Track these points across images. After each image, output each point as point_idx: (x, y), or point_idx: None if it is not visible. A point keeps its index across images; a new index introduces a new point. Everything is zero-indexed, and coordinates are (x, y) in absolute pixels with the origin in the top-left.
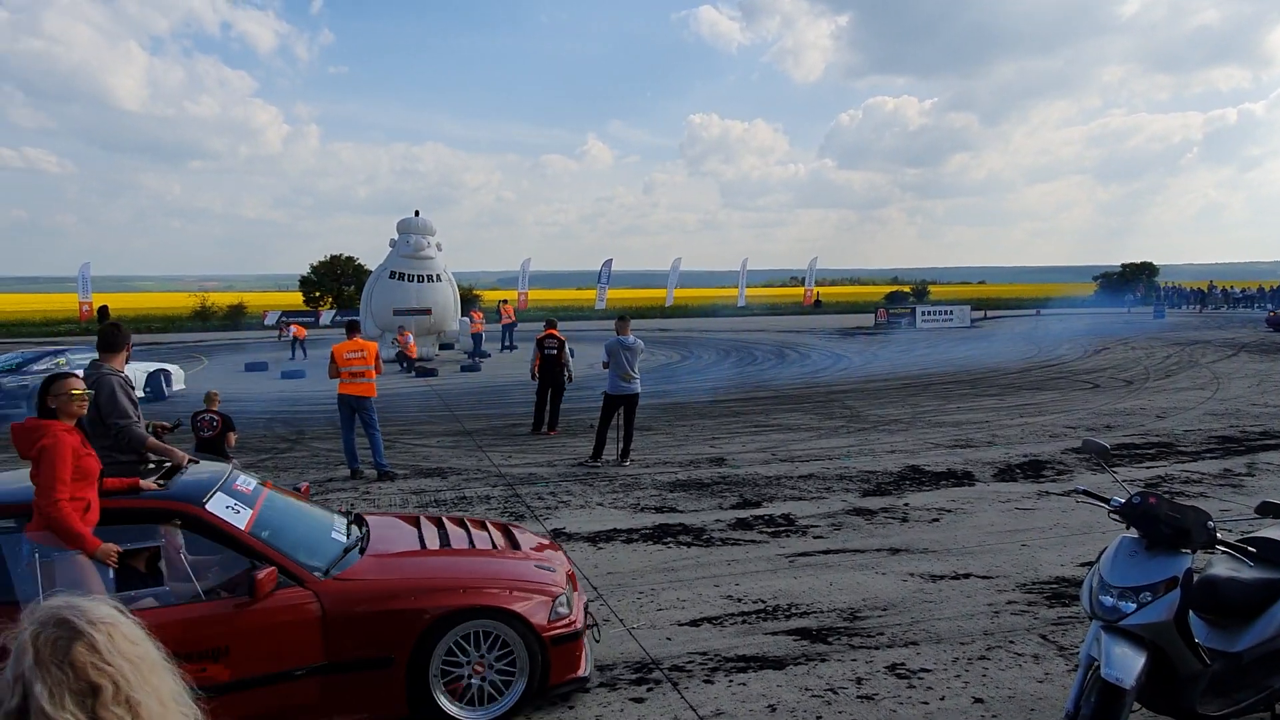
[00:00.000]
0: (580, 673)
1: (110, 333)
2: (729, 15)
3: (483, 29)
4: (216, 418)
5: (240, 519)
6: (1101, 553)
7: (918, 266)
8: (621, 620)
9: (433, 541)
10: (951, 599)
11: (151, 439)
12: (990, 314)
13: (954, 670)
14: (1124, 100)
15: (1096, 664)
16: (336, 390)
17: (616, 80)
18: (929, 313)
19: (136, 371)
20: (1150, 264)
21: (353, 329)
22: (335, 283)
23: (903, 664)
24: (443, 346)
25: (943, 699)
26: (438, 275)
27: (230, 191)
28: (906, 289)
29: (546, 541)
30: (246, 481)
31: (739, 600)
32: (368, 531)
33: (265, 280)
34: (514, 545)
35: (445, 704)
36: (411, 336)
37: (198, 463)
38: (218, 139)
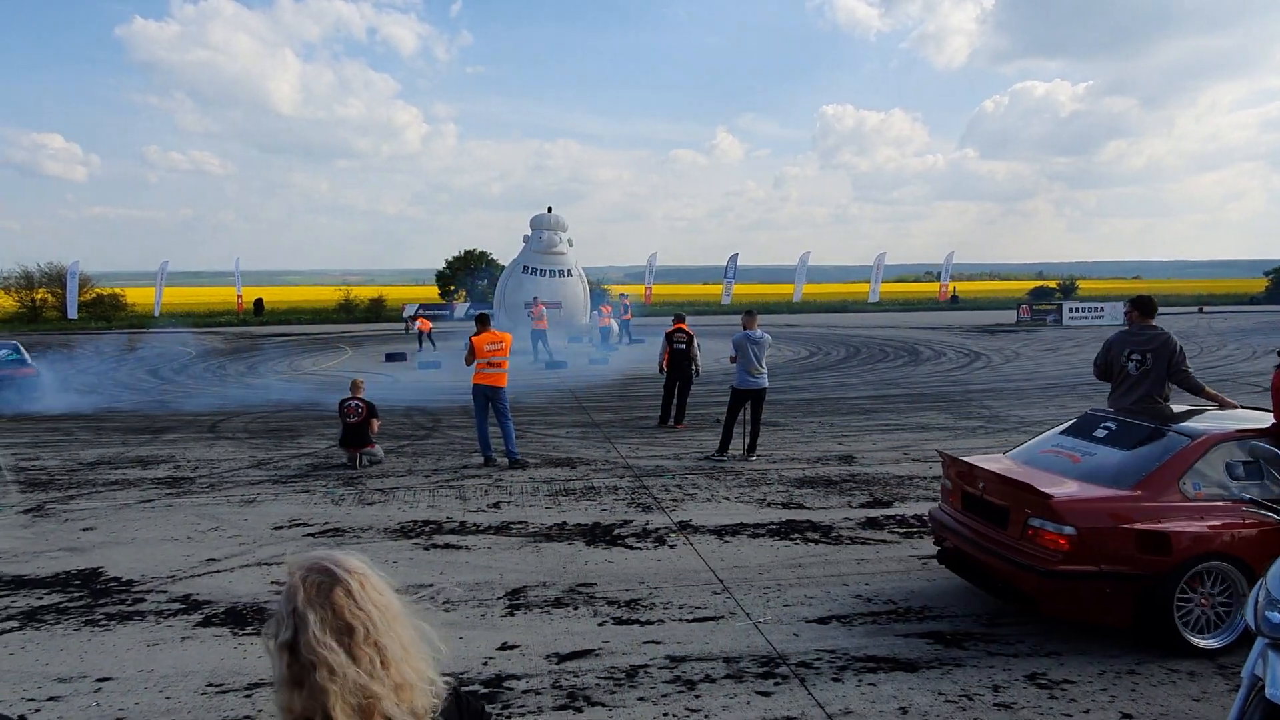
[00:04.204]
0: None
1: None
2: (868, 2)
3: (617, 25)
4: (361, 404)
5: None
6: (1270, 567)
7: (1065, 261)
8: (748, 614)
9: None
10: None
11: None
12: None
13: (1100, 683)
14: None
15: (1261, 684)
16: (471, 380)
17: (748, 73)
18: (1077, 309)
19: None
20: None
21: (485, 321)
22: (469, 277)
23: (1044, 674)
24: (571, 340)
25: (1087, 712)
26: (569, 270)
27: (373, 188)
28: (1052, 284)
29: None
30: None
31: (869, 600)
32: None
33: (404, 274)
34: None
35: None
36: (545, 310)
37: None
38: (362, 139)
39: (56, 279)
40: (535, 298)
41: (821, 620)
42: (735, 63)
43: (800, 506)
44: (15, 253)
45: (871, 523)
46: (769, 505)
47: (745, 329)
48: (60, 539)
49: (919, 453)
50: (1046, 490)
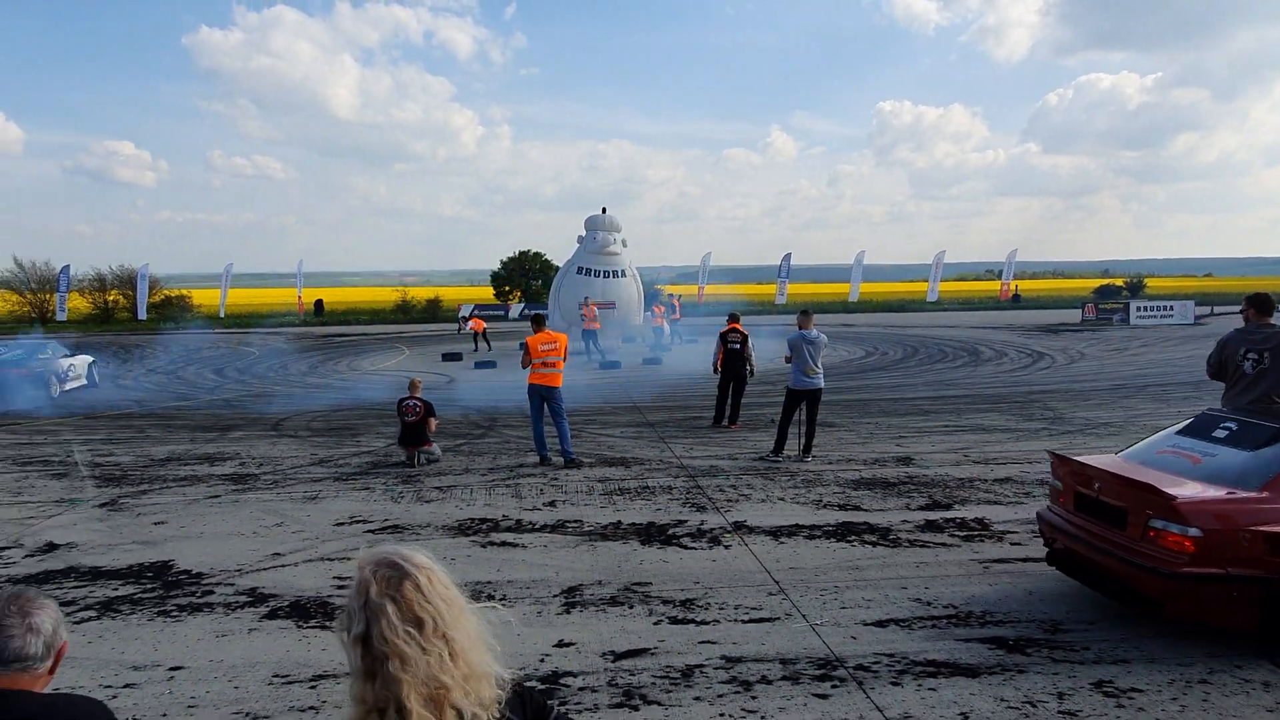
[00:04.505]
0: None
1: (1262, 300)
2: None
3: (669, 25)
4: (419, 403)
5: None
6: None
7: (1132, 258)
8: (804, 615)
9: None
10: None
11: None
12: (1217, 309)
13: (1170, 692)
14: None
15: None
16: (527, 380)
17: (802, 70)
18: (1145, 308)
19: (82, 362)
20: None
21: (540, 322)
22: (524, 277)
23: (1111, 681)
24: (625, 340)
25: None
26: (623, 271)
27: (429, 191)
28: (1119, 282)
29: None
30: None
31: (929, 604)
32: None
33: (459, 275)
34: None
35: None
36: (597, 310)
37: None
38: (419, 142)
39: (127, 281)
40: (586, 298)
41: (879, 623)
42: (789, 60)
43: (857, 508)
44: (88, 256)
45: (931, 525)
46: (825, 506)
47: (801, 329)
48: (133, 532)
49: (979, 455)
50: (1170, 491)
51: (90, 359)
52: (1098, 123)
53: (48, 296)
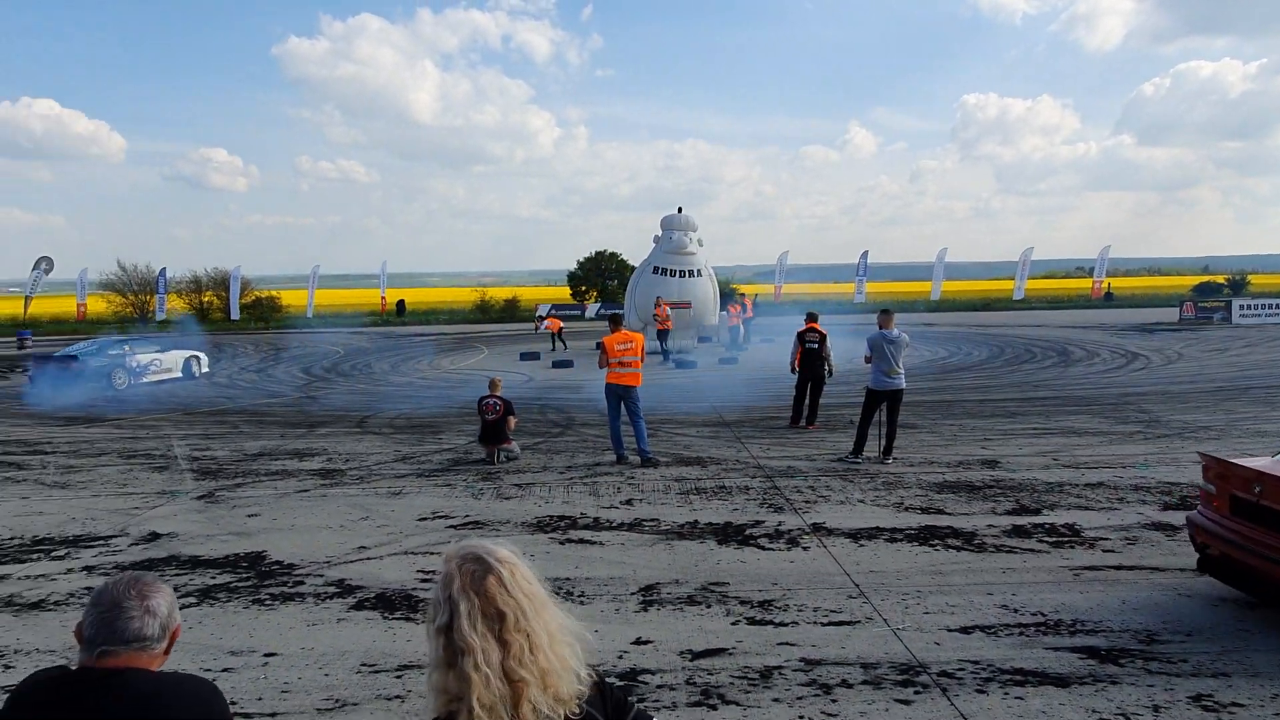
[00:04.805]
0: None
1: None
2: None
3: (744, 22)
4: (499, 402)
5: None
6: None
7: (1234, 254)
8: (886, 620)
9: None
10: (1276, 629)
11: None
12: None
13: (1273, 707)
14: None
15: None
16: (605, 380)
17: (882, 65)
18: (1249, 306)
19: (175, 358)
20: None
21: (616, 321)
22: (600, 277)
23: (1210, 695)
24: (701, 340)
25: None
26: (698, 270)
27: (507, 192)
28: (1220, 279)
29: None
30: None
31: (1016, 611)
32: None
33: (536, 275)
34: None
35: None
36: (669, 308)
37: None
38: (497, 144)
39: (221, 283)
40: (658, 298)
41: (964, 629)
42: (868, 55)
43: (940, 512)
44: (185, 259)
45: (1018, 530)
46: (907, 509)
47: (881, 328)
48: (229, 524)
49: (1070, 459)
50: None
51: (188, 354)
52: (1197, 113)
53: (148, 298)
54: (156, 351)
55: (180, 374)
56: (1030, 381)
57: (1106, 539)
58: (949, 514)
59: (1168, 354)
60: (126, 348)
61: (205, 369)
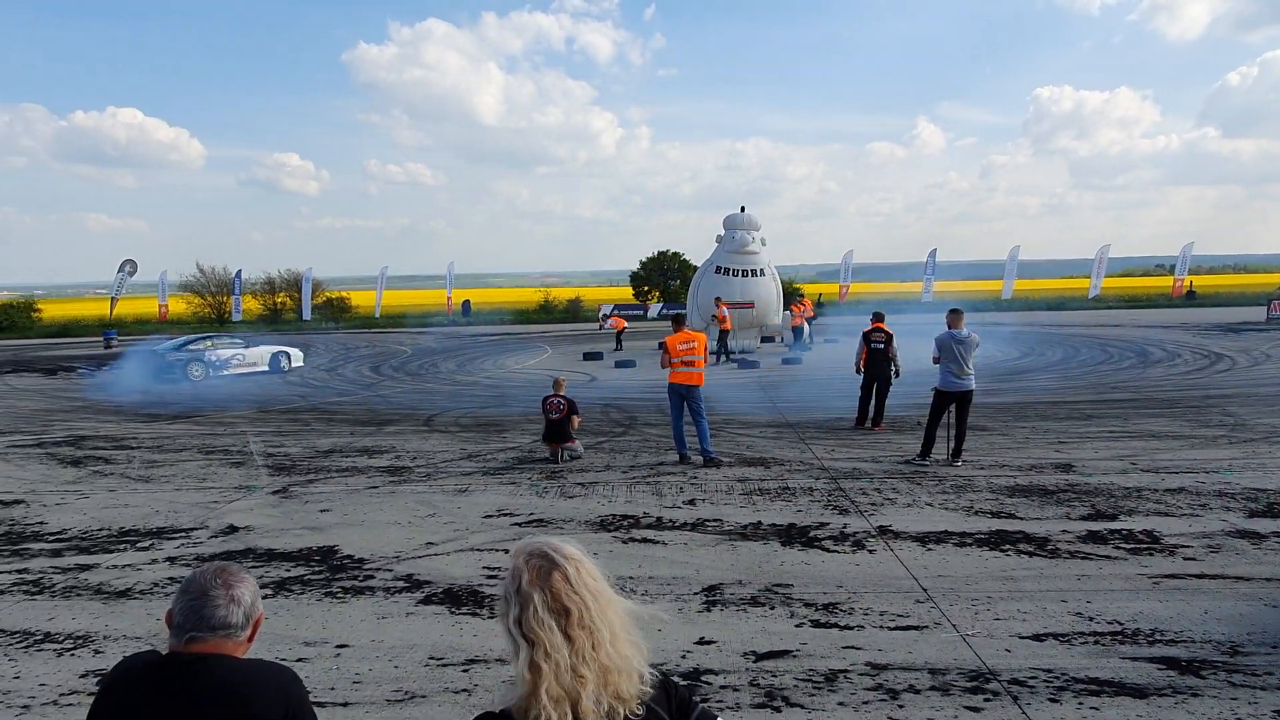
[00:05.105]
0: None
1: None
2: None
3: (809, 19)
4: (563, 401)
5: None
6: None
7: None
8: (954, 625)
9: None
10: None
11: None
12: None
13: None
14: None
15: None
16: (668, 379)
17: (951, 59)
18: None
19: (261, 353)
20: None
21: (680, 321)
22: (662, 277)
23: None
24: (764, 340)
25: None
26: (761, 270)
27: (570, 193)
28: None
29: None
30: None
31: (1091, 619)
32: None
33: (599, 275)
34: None
35: None
36: (727, 310)
37: None
38: (560, 145)
39: (293, 284)
40: (716, 298)
41: (1036, 637)
42: (936, 49)
43: (1011, 516)
44: (259, 261)
45: (1093, 536)
46: (976, 513)
47: (950, 328)
48: (302, 518)
49: (1149, 463)
50: None
51: (275, 349)
52: None
53: (225, 299)
54: (241, 347)
55: (266, 368)
56: (1107, 383)
57: (1188, 546)
58: (1021, 518)
59: (1254, 355)
60: (208, 343)
61: (296, 364)
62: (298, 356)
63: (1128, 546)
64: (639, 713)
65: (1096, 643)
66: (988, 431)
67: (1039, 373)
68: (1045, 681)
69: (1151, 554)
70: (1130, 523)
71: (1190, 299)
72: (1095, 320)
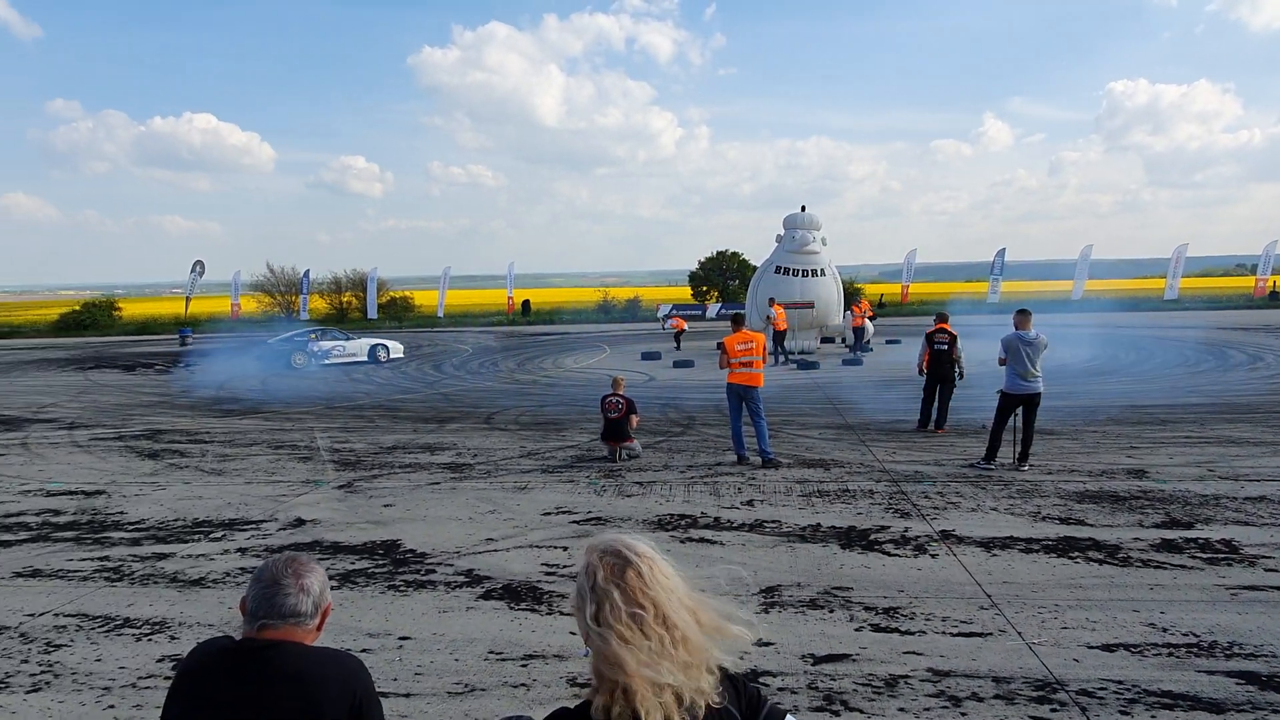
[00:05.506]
0: None
1: None
2: None
3: (871, 15)
4: (622, 401)
5: None
6: None
7: None
8: (1020, 633)
9: None
10: None
11: None
12: None
13: None
14: None
15: None
16: (726, 380)
17: (1019, 53)
18: None
19: (360, 345)
20: None
21: (739, 322)
22: (721, 277)
23: None
24: (824, 340)
25: None
26: (821, 270)
27: (629, 193)
28: None
29: None
30: None
31: (1164, 630)
32: None
33: (657, 275)
34: None
35: None
36: (783, 310)
37: None
38: (620, 146)
39: (359, 284)
40: (771, 299)
41: (1106, 647)
42: (1004, 43)
43: (1081, 523)
44: (326, 261)
45: (1168, 545)
46: (1044, 519)
47: (1017, 329)
48: (366, 513)
49: (1228, 469)
50: None
51: (374, 342)
52: None
53: (293, 298)
54: (342, 340)
55: (365, 358)
56: (1183, 386)
57: (1269, 557)
58: (1090, 525)
59: None
60: (313, 335)
61: (395, 356)
62: (396, 349)
63: (1204, 556)
64: (718, 703)
65: (1170, 655)
66: (1056, 435)
67: (1111, 375)
68: (1115, 693)
69: (1230, 564)
70: (1207, 531)
71: (1273, 300)
72: (1172, 321)
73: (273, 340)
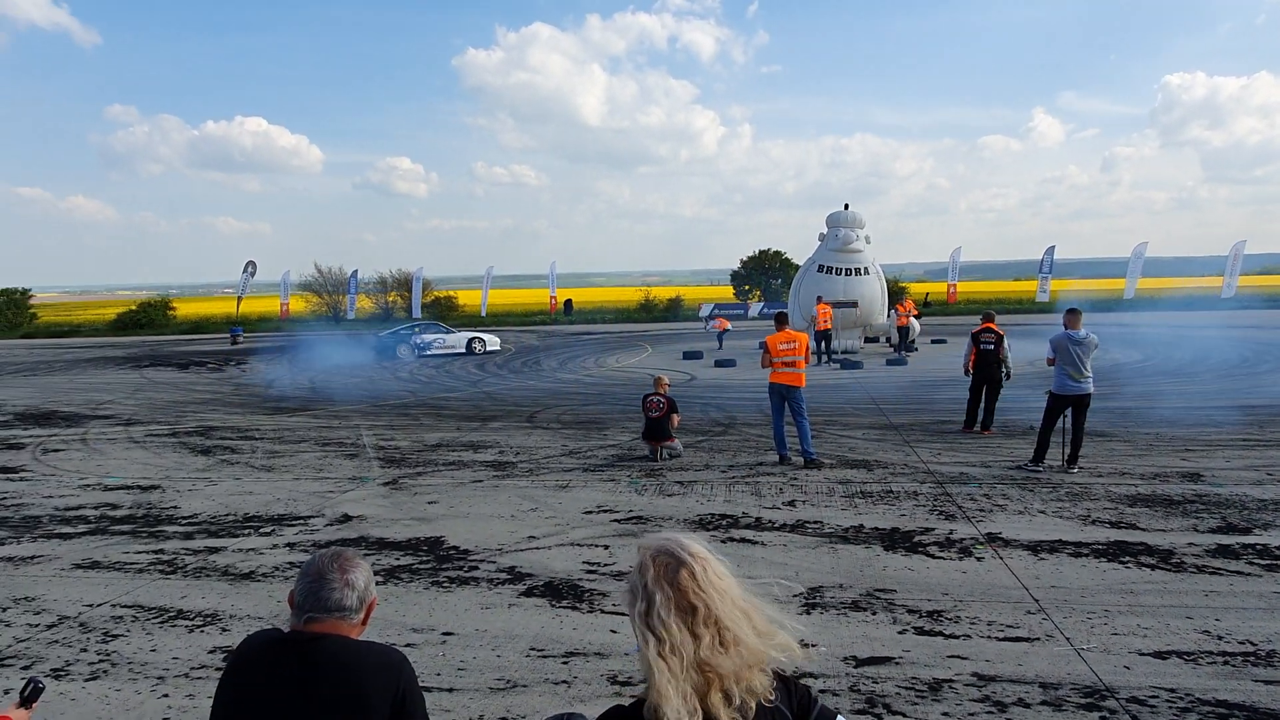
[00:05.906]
0: None
1: None
2: None
3: (916, 10)
4: (663, 400)
5: None
6: None
7: None
8: (1068, 639)
9: None
10: None
11: None
12: None
13: None
14: None
15: None
16: (768, 379)
17: (1070, 47)
18: None
19: (459, 338)
20: None
21: (782, 321)
22: (763, 276)
23: None
24: (868, 340)
25: None
26: (865, 269)
27: (671, 192)
28: None
29: None
30: None
31: (1220, 638)
32: None
33: (699, 274)
34: None
35: None
36: (827, 309)
37: None
38: (662, 144)
39: (404, 283)
40: (818, 297)
41: (1159, 654)
42: (1054, 36)
43: (1132, 527)
44: (372, 261)
45: (1224, 550)
46: (1094, 523)
47: (1067, 328)
48: (411, 509)
49: None
50: None
51: (471, 335)
52: None
53: (340, 298)
54: (443, 333)
55: (463, 350)
56: (1240, 388)
57: None
58: (1142, 529)
59: None
60: (416, 329)
61: (491, 348)
62: (493, 341)
63: (1263, 563)
64: (771, 701)
65: (1226, 663)
66: (1107, 437)
67: (1164, 376)
68: (1168, 702)
69: None
70: (1266, 537)
71: None
72: (1230, 321)
73: (383, 334)
